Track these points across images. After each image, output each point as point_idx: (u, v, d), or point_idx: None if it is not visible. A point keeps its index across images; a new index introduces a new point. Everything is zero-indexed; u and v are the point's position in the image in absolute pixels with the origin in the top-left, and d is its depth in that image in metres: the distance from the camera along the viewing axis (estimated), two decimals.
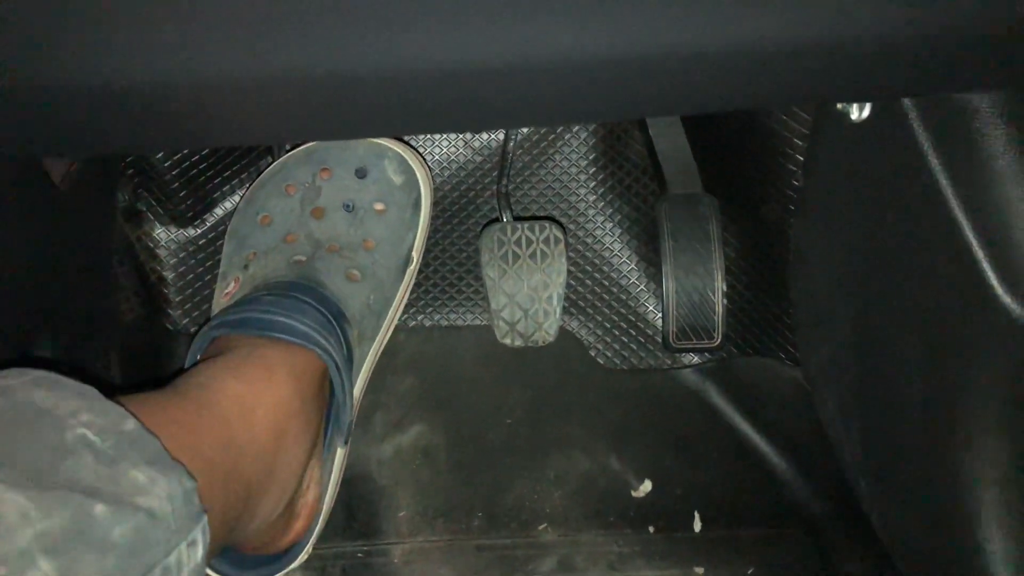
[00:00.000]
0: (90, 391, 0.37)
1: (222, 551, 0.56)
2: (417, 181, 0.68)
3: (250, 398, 0.50)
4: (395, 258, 0.66)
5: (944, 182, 0.46)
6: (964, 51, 0.40)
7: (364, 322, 0.63)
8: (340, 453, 0.61)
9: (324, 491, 0.60)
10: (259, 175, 0.69)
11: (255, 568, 0.57)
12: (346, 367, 0.58)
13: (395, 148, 0.67)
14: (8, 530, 0.29)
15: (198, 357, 0.56)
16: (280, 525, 0.56)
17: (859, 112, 0.53)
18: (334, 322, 0.59)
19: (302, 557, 0.59)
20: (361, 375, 0.64)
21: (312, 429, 0.56)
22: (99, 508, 0.31)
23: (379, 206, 0.66)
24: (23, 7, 0.32)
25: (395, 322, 0.69)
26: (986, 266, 0.45)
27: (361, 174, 0.66)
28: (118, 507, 0.32)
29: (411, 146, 0.69)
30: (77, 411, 0.35)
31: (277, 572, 0.58)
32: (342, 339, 0.59)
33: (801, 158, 0.63)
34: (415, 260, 0.69)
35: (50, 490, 0.31)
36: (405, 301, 0.70)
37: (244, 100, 0.40)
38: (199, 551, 0.37)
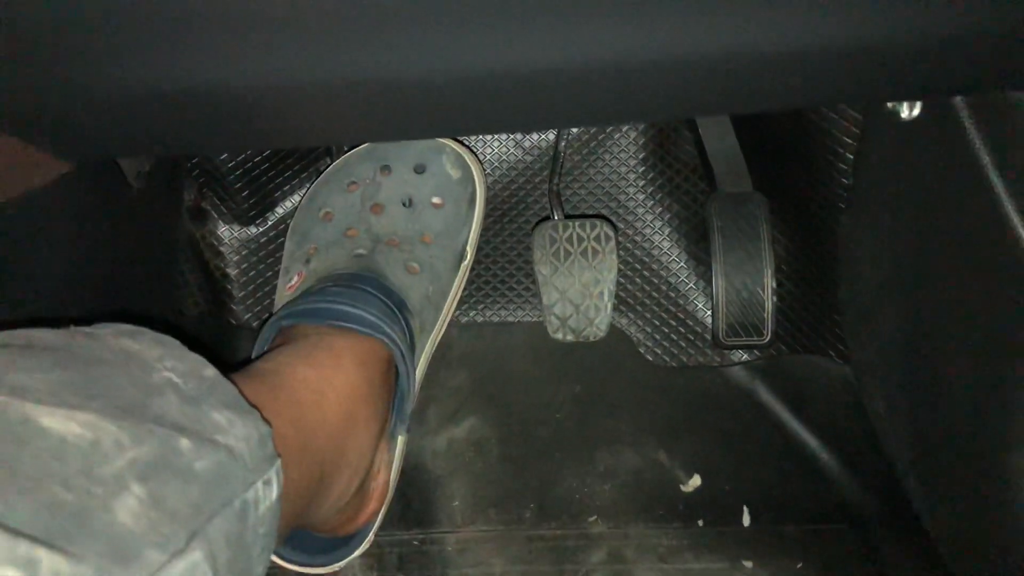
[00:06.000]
0: (172, 341, 0.40)
1: (298, 536, 0.58)
2: (473, 177, 0.69)
3: (320, 383, 0.51)
4: (451, 252, 0.68)
5: (995, 179, 0.47)
6: (1016, 48, 0.40)
7: (424, 313, 0.64)
8: (400, 441, 0.63)
9: (393, 473, 0.62)
10: (318, 175, 0.71)
11: (331, 551, 0.59)
12: (410, 356, 0.60)
13: (452, 145, 0.68)
14: (104, 455, 0.31)
15: (266, 346, 0.58)
16: (354, 505, 0.58)
17: (909, 110, 0.53)
18: (398, 312, 0.60)
19: (370, 538, 0.61)
20: (419, 366, 0.65)
21: (380, 414, 0.58)
22: (184, 442, 0.34)
23: (436, 200, 0.67)
24: (108, 15, 0.34)
25: (450, 316, 0.71)
26: None
27: (420, 170, 0.68)
28: (201, 442, 0.34)
29: (466, 145, 0.70)
30: (162, 357, 0.38)
31: (351, 552, 0.60)
32: (406, 329, 0.60)
33: (851, 156, 0.63)
34: (469, 255, 0.70)
35: (140, 423, 0.33)
36: (459, 296, 0.71)
37: (312, 104, 0.42)
38: (274, 491, 0.38)
